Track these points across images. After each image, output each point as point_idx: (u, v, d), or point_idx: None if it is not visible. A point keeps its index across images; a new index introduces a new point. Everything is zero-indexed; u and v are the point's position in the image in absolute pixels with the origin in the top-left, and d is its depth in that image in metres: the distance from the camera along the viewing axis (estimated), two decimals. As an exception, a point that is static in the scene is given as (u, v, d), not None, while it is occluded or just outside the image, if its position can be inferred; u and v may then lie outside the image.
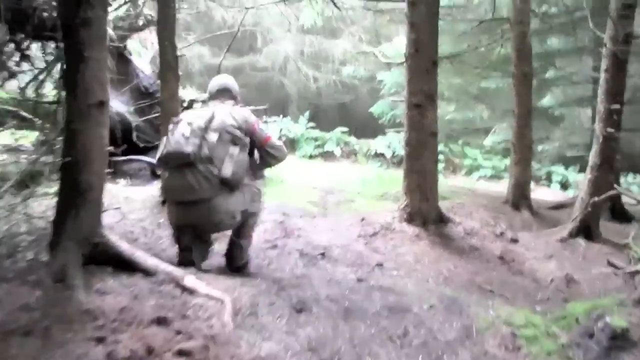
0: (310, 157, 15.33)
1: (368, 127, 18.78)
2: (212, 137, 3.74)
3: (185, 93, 8.36)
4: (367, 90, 17.82)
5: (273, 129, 14.99)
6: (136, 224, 5.12)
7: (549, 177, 14.27)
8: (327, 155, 15.58)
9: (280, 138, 14.12)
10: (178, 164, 3.74)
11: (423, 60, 5.73)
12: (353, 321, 3.20)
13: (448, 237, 5.78)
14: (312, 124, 16.19)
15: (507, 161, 14.51)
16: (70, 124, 3.02)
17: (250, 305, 3.16)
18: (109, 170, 3.46)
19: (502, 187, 10.41)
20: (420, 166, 5.91)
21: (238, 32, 7.73)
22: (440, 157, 15.50)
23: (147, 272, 3.24)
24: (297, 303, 3.33)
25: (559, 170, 14.15)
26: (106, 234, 3.28)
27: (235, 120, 3.87)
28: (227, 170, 3.71)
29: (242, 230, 4.08)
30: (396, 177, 10.06)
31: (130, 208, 5.53)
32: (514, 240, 6.02)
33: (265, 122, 13.89)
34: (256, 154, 4.19)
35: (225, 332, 2.74)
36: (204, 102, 7.89)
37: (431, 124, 5.86)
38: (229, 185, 3.75)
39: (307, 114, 16.56)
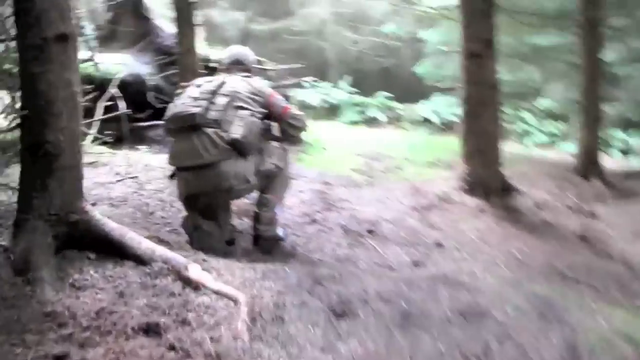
0: (353, 123, 14.39)
1: (412, 92, 17.71)
2: (221, 100, 3.39)
3: (214, 52, 7.55)
4: (410, 53, 16.68)
5: (313, 93, 14.07)
6: (153, 195, 4.36)
7: (606, 144, 13.01)
8: (371, 121, 14.62)
9: (302, 108, 13.16)
10: (183, 127, 3.36)
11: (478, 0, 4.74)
12: (413, 331, 2.33)
13: (516, 211, 4.87)
14: (353, 89, 15.17)
15: (561, 127, 13.57)
16: (24, 66, 2.21)
17: (274, 307, 2.36)
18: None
19: (560, 154, 9.39)
20: (480, 127, 4.97)
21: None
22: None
23: (140, 260, 2.47)
24: (337, 304, 2.50)
25: (618, 136, 12.87)
26: (89, 210, 2.49)
27: (249, 88, 3.51)
28: (237, 130, 3.30)
29: (268, 185, 3.62)
30: (446, 143, 9.35)
31: (149, 177, 4.77)
32: (593, 215, 5.05)
33: (304, 86, 12.87)
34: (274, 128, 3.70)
35: (238, 347, 1.96)
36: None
37: (491, 76, 4.91)
38: (238, 149, 3.32)
39: (348, 79, 15.54)
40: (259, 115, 3.46)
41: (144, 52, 6.95)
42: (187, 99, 3.41)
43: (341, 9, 15.82)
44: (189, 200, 3.41)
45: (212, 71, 5.97)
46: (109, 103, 5.94)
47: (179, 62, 5.17)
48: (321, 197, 4.85)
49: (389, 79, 17.67)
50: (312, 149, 7.02)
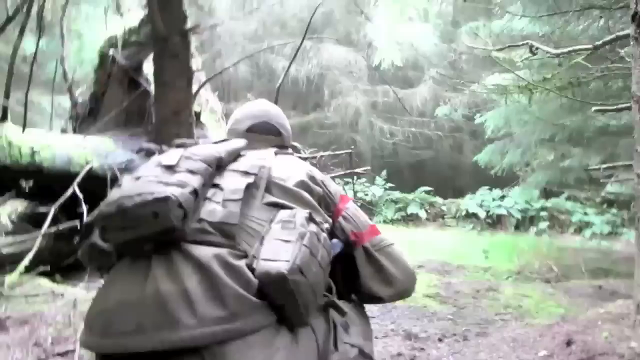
0: (392, 221, 12.21)
1: (450, 186, 15.77)
2: (240, 182, 1.26)
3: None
4: (449, 144, 14.75)
5: (347, 190, 12.05)
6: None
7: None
8: (411, 219, 12.47)
9: (355, 196, 11.00)
10: (138, 240, 1.12)
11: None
12: None
13: None
14: (390, 184, 13.16)
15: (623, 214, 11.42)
16: None
17: None
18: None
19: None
20: None
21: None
22: (544, 213, 12.34)
23: None
24: None
25: None
26: None
27: (307, 173, 1.43)
28: (282, 256, 1.09)
29: None
30: (512, 242, 8.11)
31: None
32: None
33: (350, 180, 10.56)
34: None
35: None
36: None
37: None
38: (284, 307, 1.10)
39: (384, 173, 13.53)
40: (327, 230, 1.30)
41: (138, 136, 4.89)
42: (155, 169, 1.24)
43: (376, 98, 14.04)
44: None
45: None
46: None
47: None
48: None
49: (426, 172, 15.79)
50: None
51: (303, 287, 1.09)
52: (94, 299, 1.21)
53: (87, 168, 4.03)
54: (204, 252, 1.11)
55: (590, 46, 3.78)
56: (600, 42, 3.71)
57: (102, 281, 1.22)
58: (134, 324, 1.06)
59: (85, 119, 5.12)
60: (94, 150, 4.14)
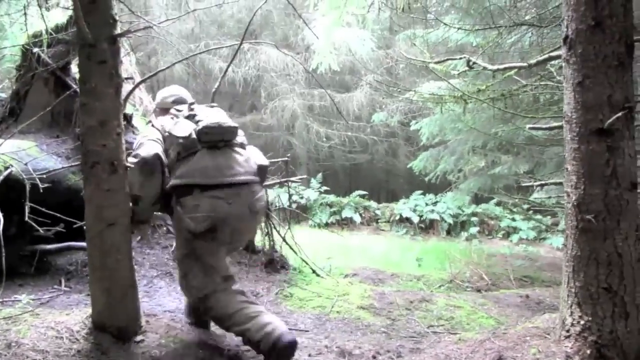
0: (326, 225, 12.18)
1: (384, 190, 15.93)
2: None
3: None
4: (384, 149, 14.89)
5: (282, 193, 11.91)
6: None
7: None
8: (345, 223, 12.49)
9: (290, 205, 10.83)
10: (215, 144, 2.84)
11: (607, 40, 2.64)
12: None
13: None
14: (325, 188, 13.12)
15: (548, 220, 11.87)
16: None
17: None
18: None
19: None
20: (610, 248, 2.71)
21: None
22: (474, 218, 12.67)
23: None
24: None
25: None
26: None
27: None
28: (263, 159, 3.13)
29: None
30: (444, 248, 8.15)
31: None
32: None
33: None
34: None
35: None
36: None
37: (629, 167, 2.73)
38: (261, 178, 3.03)
39: (319, 176, 13.48)
40: None
41: (60, 138, 4.58)
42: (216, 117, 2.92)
43: (313, 102, 13.96)
44: (211, 231, 2.71)
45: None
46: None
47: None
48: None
49: (360, 176, 15.87)
50: (300, 277, 4.68)
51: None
52: (193, 162, 2.77)
53: (5, 173, 3.73)
54: (240, 150, 2.94)
55: (525, 64, 3.88)
56: (535, 61, 3.82)
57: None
58: (221, 172, 2.77)
59: (5, 118, 4.76)
60: (14, 154, 3.81)
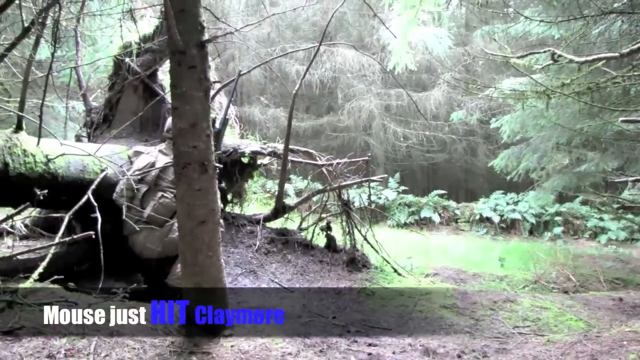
0: (405, 225, 12.07)
1: (463, 189, 15.58)
2: None
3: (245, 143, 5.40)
4: (463, 148, 14.55)
5: (360, 193, 11.94)
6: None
7: None
8: (424, 223, 12.32)
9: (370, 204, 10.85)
10: None
11: None
12: None
13: None
14: (403, 188, 12.99)
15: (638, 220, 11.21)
16: None
17: None
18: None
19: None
20: None
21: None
22: (558, 218, 12.14)
23: None
24: None
25: None
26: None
27: None
28: None
29: None
30: (527, 248, 7.94)
31: None
32: None
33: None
34: None
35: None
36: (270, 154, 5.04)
37: None
38: None
39: (397, 176, 13.38)
40: None
41: (149, 142, 4.81)
42: None
43: (389, 102, 13.87)
44: None
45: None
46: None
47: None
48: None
49: (439, 176, 15.61)
50: (382, 276, 4.67)
51: None
52: None
53: (102, 175, 3.95)
54: None
55: (616, 54, 3.63)
56: (627, 50, 3.56)
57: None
58: None
59: (99, 125, 5.05)
60: (108, 157, 4.04)
